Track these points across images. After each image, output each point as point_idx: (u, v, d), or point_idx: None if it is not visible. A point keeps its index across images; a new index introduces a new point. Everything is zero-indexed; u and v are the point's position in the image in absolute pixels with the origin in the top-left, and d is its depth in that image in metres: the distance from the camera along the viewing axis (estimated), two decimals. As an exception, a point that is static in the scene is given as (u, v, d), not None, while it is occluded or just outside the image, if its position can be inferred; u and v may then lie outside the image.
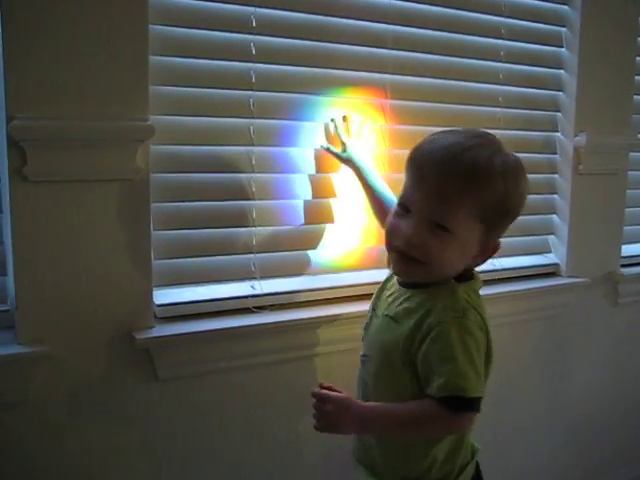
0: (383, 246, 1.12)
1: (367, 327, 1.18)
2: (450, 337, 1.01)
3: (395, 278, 1.15)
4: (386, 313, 1.11)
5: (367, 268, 1.48)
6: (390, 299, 1.13)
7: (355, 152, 1.36)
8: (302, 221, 1.42)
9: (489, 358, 1.08)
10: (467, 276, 1.09)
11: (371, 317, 1.17)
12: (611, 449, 2.07)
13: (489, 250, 1.08)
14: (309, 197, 1.42)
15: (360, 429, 1.10)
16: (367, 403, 1.09)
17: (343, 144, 1.37)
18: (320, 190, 1.43)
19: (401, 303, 1.09)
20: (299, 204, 1.41)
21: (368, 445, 1.14)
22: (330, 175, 1.43)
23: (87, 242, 1.16)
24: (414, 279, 1.10)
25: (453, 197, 1.00)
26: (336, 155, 1.37)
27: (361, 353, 1.17)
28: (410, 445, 1.10)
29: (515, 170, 1.05)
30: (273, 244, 1.39)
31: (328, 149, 1.38)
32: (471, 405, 1.01)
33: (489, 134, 1.09)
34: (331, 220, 1.45)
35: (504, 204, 1.04)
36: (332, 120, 1.39)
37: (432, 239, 1.02)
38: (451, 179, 1.00)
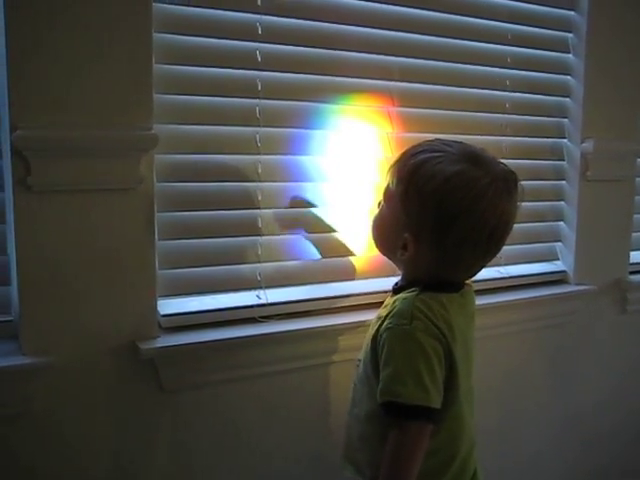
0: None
1: None
2: (392, 343, 1.01)
3: None
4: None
5: (373, 277, 1.47)
6: None
7: None
8: (308, 231, 1.41)
9: (454, 371, 1.04)
10: (445, 286, 1.07)
11: None
12: (621, 458, 2.05)
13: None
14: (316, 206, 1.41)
15: None
16: None
17: None
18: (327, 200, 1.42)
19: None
20: (305, 213, 1.41)
21: (353, 446, 1.13)
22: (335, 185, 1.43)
23: (91, 252, 1.16)
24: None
25: None
26: None
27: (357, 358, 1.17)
28: None
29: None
30: (279, 253, 1.38)
31: None
32: (415, 414, 0.98)
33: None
34: (337, 230, 1.44)
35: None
36: None
37: None
38: None
